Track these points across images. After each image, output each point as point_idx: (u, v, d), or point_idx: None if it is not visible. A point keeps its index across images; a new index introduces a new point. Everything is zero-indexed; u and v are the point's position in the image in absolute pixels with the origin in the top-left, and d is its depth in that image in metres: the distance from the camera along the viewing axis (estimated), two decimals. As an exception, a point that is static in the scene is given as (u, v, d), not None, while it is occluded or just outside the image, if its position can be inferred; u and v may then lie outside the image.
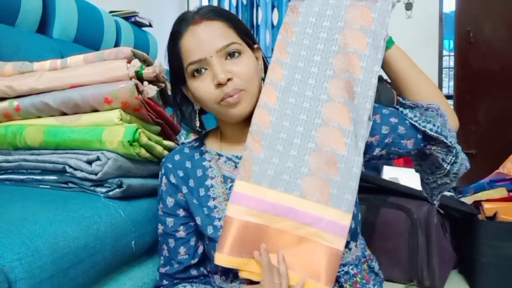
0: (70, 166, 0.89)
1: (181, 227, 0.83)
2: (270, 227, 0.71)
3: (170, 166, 0.85)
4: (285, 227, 0.71)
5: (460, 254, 1.44)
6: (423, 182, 0.91)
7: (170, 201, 0.84)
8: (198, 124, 0.84)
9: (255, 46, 0.82)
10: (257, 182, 0.72)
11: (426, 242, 1.33)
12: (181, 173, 0.84)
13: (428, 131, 0.77)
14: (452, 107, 0.85)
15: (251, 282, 0.75)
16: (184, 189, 0.83)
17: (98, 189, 0.88)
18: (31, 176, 0.94)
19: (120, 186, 0.88)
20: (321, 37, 0.76)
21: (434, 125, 0.77)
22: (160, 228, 0.86)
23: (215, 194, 0.81)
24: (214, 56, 0.75)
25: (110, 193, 0.88)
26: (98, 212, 0.81)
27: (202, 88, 0.76)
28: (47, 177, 0.92)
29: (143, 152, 0.92)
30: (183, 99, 0.85)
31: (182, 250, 0.83)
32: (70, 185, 0.91)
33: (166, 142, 1.03)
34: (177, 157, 0.86)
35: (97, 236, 0.77)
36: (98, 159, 0.87)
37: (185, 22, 0.78)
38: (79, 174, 0.88)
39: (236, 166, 0.83)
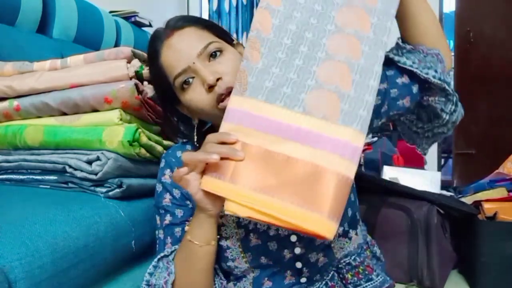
0: (70, 166, 0.89)
1: (191, 218, 0.79)
2: (271, 151, 0.60)
3: (173, 160, 0.83)
4: (285, 150, 0.59)
5: (460, 254, 1.44)
6: (412, 132, 0.86)
7: (177, 193, 0.81)
8: (195, 139, 0.81)
9: (234, 42, 0.80)
10: (252, 95, 0.62)
11: (426, 242, 1.33)
12: None
13: (431, 78, 0.73)
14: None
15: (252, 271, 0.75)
16: None
17: (98, 189, 0.88)
18: (31, 176, 0.94)
19: (120, 186, 0.88)
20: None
21: (436, 72, 0.74)
22: (167, 219, 0.80)
23: None
24: (196, 61, 0.72)
25: (110, 193, 0.88)
26: (98, 212, 0.81)
27: (195, 96, 0.73)
28: (47, 177, 0.92)
29: (143, 152, 0.92)
30: (180, 118, 0.83)
31: None
32: (70, 185, 0.91)
33: (166, 142, 1.03)
34: (179, 154, 0.84)
35: (97, 236, 0.77)
36: (98, 159, 0.87)
37: (158, 40, 0.76)
38: (79, 174, 0.88)
39: None
